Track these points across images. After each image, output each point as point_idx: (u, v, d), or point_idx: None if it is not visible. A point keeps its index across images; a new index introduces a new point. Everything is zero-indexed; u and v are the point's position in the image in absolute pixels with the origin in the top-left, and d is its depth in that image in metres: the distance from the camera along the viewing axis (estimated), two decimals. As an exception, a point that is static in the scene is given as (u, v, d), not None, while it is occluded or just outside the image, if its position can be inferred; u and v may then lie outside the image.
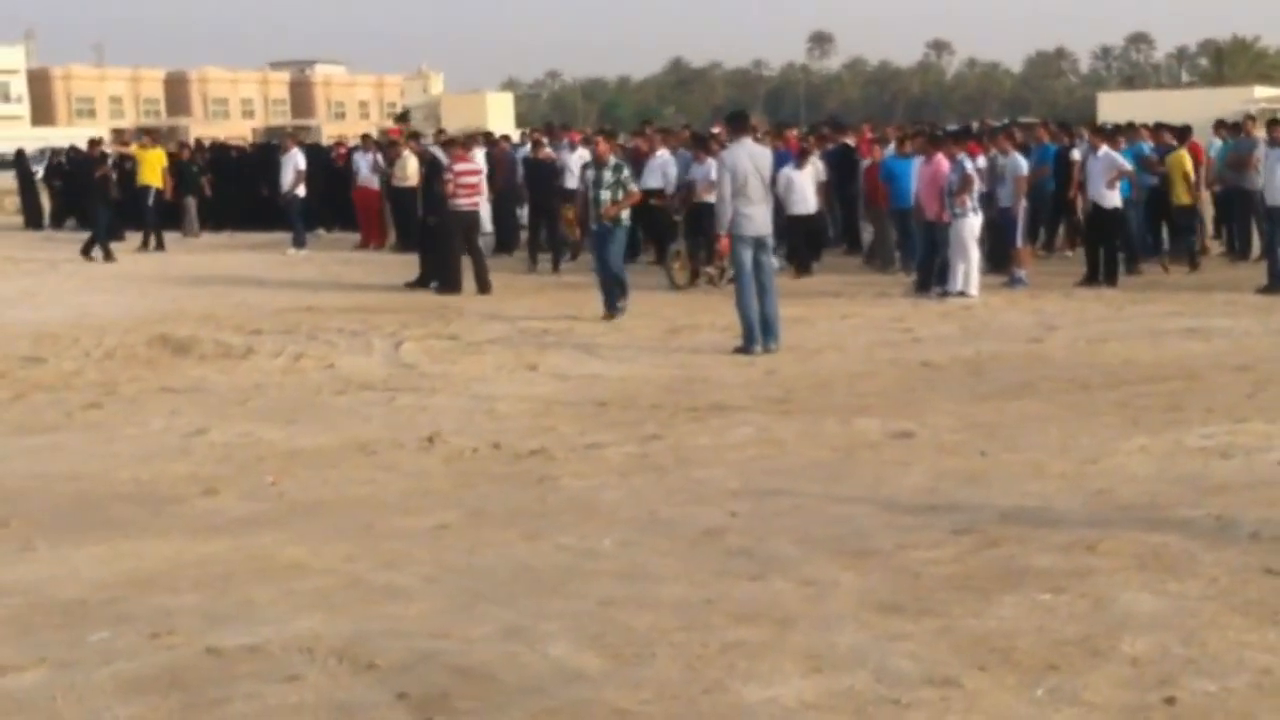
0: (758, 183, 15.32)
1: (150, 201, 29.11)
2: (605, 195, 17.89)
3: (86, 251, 27.00)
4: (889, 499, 9.13)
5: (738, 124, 16.03)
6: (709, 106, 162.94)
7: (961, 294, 19.38)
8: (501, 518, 8.80)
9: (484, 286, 20.86)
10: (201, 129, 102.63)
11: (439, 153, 23.32)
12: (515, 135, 37.66)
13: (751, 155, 15.49)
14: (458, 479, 9.82)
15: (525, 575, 7.62)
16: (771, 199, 16.09)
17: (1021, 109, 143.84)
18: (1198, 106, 64.86)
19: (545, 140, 27.61)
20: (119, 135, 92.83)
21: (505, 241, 27.04)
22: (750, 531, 8.41)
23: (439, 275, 21.17)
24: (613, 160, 18.32)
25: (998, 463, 10.12)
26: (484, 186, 22.30)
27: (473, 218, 21.65)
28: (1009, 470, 9.88)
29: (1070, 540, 8.03)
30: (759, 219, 15.40)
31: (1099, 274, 20.72)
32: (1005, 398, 12.54)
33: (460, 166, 21.40)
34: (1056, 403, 12.25)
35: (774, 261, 15.98)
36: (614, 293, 18.00)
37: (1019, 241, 21.32)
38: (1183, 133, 23.57)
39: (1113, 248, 21.16)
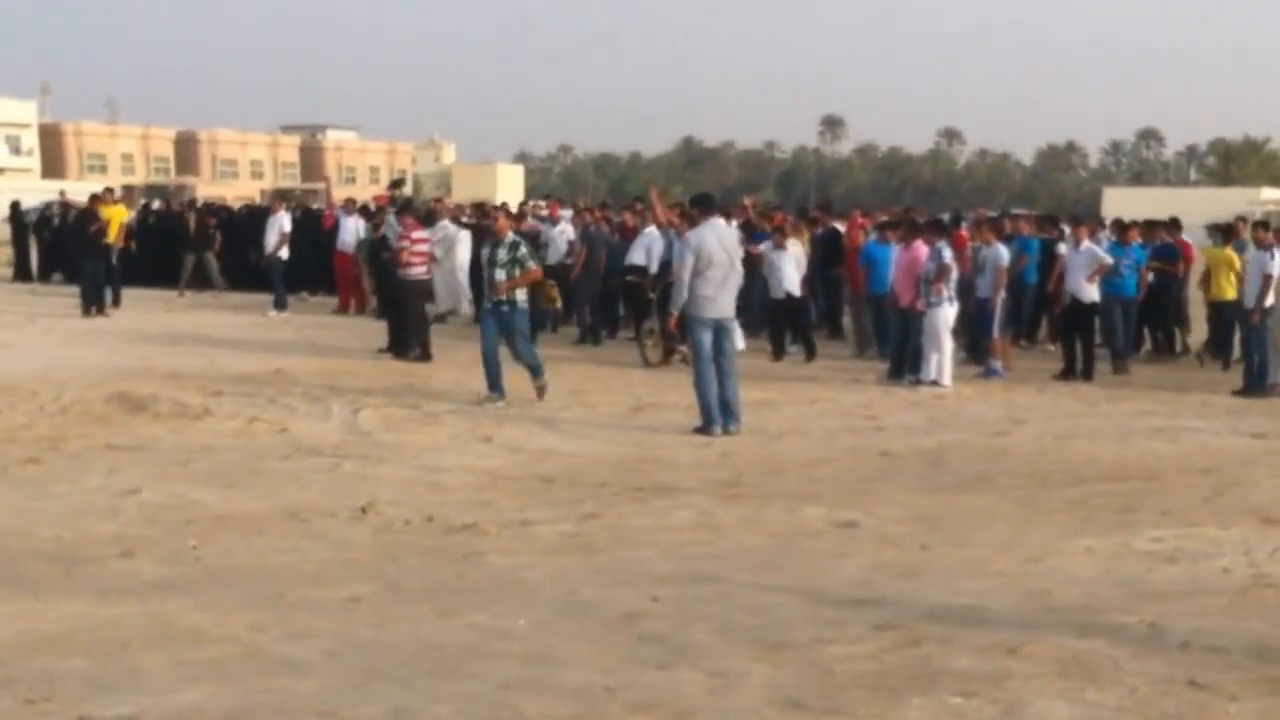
0: (724, 263, 15.17)
1: (114, 260, 28.84)
2: (500, 274, 16.84)
3: (99, 309, 26.84)
4: (818, 590, 8.92)
5: (705, 205, 15.90)
6: (721, 187, 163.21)
7: (934, 383, 19.20)
8: (418, 593, 8.60)
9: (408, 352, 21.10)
10: (209, 189, 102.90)
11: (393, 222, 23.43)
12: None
13: (719, 236, 15.36)
14: (382, 551, 9.62)
15: (429, 654, 7.42)
16: (739, 281, 15.91)
17: (1030, 201, 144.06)
18: (1204, 205, 65.06)
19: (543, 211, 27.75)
20: (129, 191, 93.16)
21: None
22: (669, 618, 8.21)
23: (405, 343, 21.16)
24: (509, 237, 17.21)
25: (938, 557, 9.93)
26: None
27: (427, 286, 21.68)
28: (947, 566, 9.68)
29: (994, 642, 7.83)
30: (721, 302, 15.23)
31: (1075, 368, 20.57)
32: (959, 490, 12.35)
33: (415, 235, 21.64)
34: (1010, 498, 12.06)
35: (739, 343, 15.85)
36: (496, 375, 16.81)
37: (995, 332, 21.16)
38: (1227, 230, 23.05)
39: (1090, 342, 21.02)
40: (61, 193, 36.71)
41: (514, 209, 31.42)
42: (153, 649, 7.27)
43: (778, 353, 22.42)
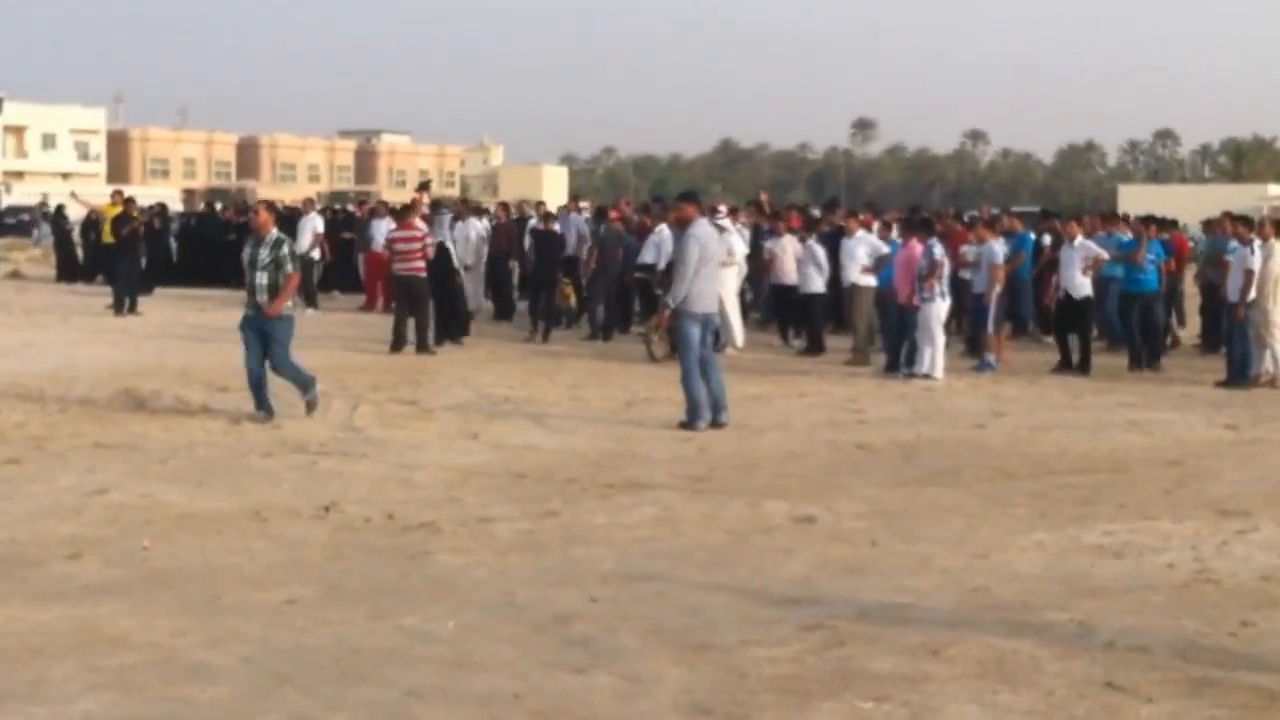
0: (713, 259, 14.87)
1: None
2: (262, 278, 14.39)
3: (131, 308, 26.52)
4: (757, 589, 8.50)
5: (693, 201, 15.49)
6: (755, 186, 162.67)
7: (926, 376, 18.77)
8: (356, 594, 8.20)
9: (422, 346, 20.98)
10: (268, 192, 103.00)
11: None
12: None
13: (709, 234, 15.02)
14: (332, 551, 9.22)
15: (346, 658, 7.03)
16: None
17: (1051, 198, 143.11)
18: (1214, 201, 64.27)
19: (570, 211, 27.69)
20: (189, 195, 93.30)
21: (502, 309, 26.64)
22: (600, 619, 7.80)
23: (400, 339, 21.18)
24: (273, 235, 14.67)
25: (886, 553, 9.49)
26: (429, 252, 21.71)
27: (409, 282, 21.29)
28: (893, 562, 9.25)
29: (920, 642, 7.41)
30: (709, 297, 14.87)
31: (1071, 361, 20.09)
32: (924, 484, 11.90)
33: (397, 234, 21.65)
34: (973, 492, 11.61)
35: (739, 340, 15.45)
36: (263, 392, 14.48)
37: (990, 327, 20.72)
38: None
39: (1087, 336, 20.55)
40: (73, 194, 36.07)
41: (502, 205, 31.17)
42: (67, 656, 6.89)
43: (784, 337, 22.45)
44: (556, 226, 25.98)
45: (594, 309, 24.48)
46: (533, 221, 29.24)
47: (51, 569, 8.59)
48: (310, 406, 14.61)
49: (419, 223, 22.11)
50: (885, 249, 20.96)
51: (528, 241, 27.98)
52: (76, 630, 7.34)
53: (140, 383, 16.37)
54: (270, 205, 15.73)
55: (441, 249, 23.02)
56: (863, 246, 21.10)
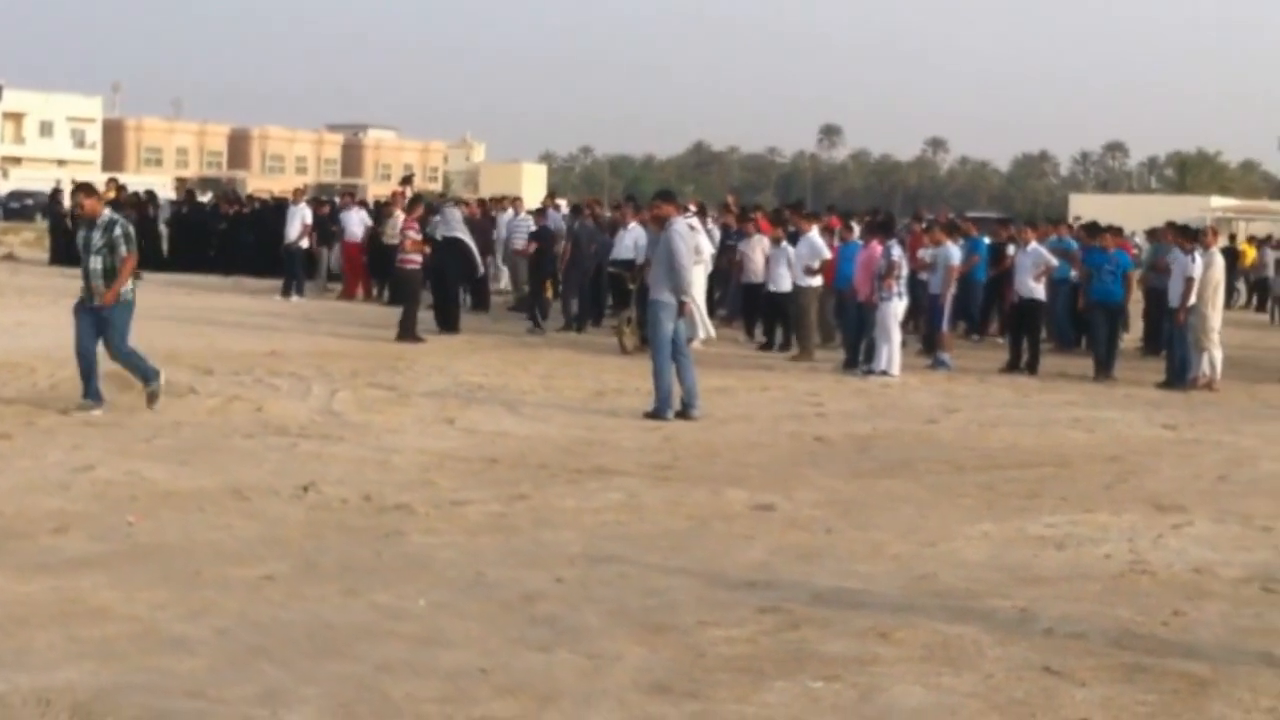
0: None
1: None
2: (95, 262, 13.28)
3: None
4: (717, 573, 8.50)
5: (670, 203, 15.50)
6: (725, 187, 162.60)
7: (884, 373, 18.79)
8: (331, 571, 8.17)
9: (403, 335, 20.79)
10: (258, 182, 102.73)
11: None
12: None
13: (688, 231, 15.13)
14: (309, 529, 9.18)
15: (321, 633, 7.01)
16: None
17: (1006, 205, 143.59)
18: (1160, 211, 64.66)
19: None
20: (181, 184, 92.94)
21: (479, 301, 26.61)
22: (566, 599, 7.79)
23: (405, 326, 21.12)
24: (105, 216, 13.51)
25: (840, 540, 9.52)
26: (408, 245, 21.70)
27: (398, 274, 21.38)
28: (847, 549, 9.27)
29: (870, 626, 7.43)
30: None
31: (1020, 362, 20.15)
32: (879, 475, 11.92)
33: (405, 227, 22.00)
34: (925, 483, 11.64)
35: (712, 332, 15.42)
36: (93, 379, 13.36)
37: (944, 326, 20.80)
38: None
39: (1036, 338, 20.62)
40: (74, 182, 35.85)
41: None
42: (50, 626, 6.85)
43: (750, 333, 23.12)
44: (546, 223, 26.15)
45: (568, 301, 24.45)
46: (507, 216, 29.26)
47: (38, 541, 8.54)
48: (152, 398, 13.49)
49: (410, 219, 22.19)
50: (826, 254, 20.90)
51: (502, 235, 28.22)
52: (60, 601, 7.30)
53: (129, 364, 16.23)
54: (91, 190, 14.06)
55: (465, 246, 23.13)
56: (804, 248, 21.10)
